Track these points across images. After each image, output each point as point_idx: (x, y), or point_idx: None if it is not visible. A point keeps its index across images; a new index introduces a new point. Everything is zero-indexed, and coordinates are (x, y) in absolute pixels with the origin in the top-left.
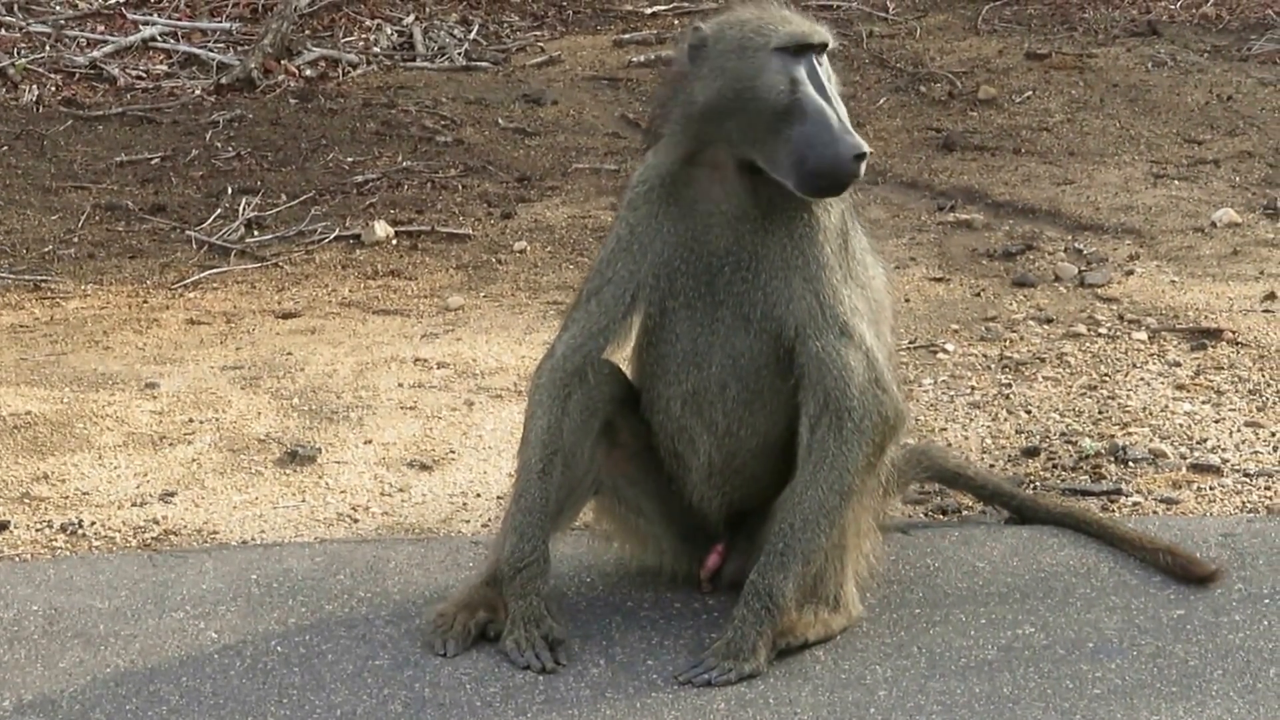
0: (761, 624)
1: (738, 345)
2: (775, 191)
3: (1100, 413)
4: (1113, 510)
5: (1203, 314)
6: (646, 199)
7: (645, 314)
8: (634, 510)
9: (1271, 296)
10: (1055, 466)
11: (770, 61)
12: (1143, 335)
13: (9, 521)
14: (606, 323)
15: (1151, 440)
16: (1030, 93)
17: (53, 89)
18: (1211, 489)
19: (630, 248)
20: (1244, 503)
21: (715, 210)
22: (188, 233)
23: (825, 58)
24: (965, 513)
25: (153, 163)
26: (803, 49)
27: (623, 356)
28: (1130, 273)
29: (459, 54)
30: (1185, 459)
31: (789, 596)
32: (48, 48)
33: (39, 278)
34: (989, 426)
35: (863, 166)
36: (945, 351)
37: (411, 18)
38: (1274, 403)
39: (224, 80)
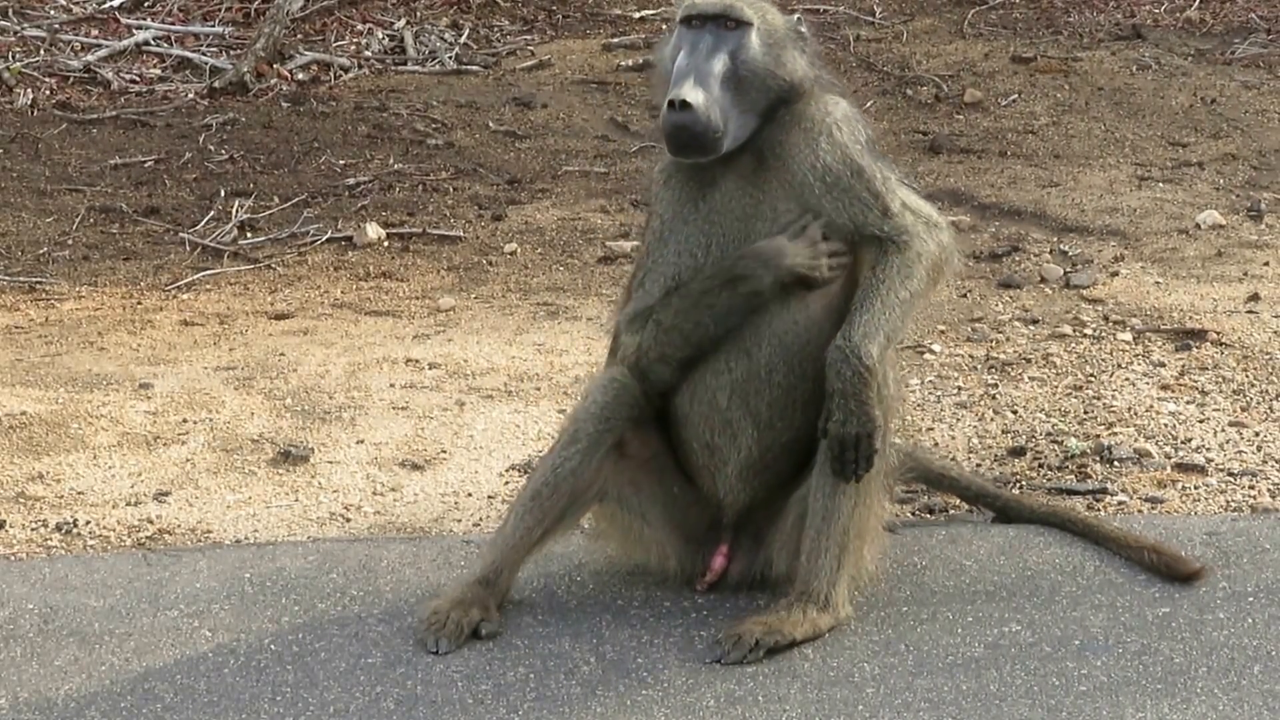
0: (861, 389)
1: (783, 319)
2: (768, 144)
3: (1086, 413)
4: (1098, 509)
5: (1187, 315)
6: (667, 186)
7: None
8: (638, 517)
9: (1255, 298)
10: (1041, 466)
11: (674, 34)
12: (1128, 336)
13: (4, 521)
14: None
15: (1136, 440)
16: (1016, 96)
17: (47, 93)
18: (1196, 488)
19: (662, 236)
20: (1228, 502)
21: (728, 183)
22: (181, 235)
23: (746, 33)
24: (952, 511)
25: (146, 166)
26: (687, 20)
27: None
28: (1115, 274)
29: (449, 58)
30: (1170, 458)
31: (876, 358)
32: (42, 52)
33: (34, 279)
34: (975, 426)
35: (687, 115)
36: (932, 352)
37: (402, 22)
38: (1258, 403)
39: (217, 84)
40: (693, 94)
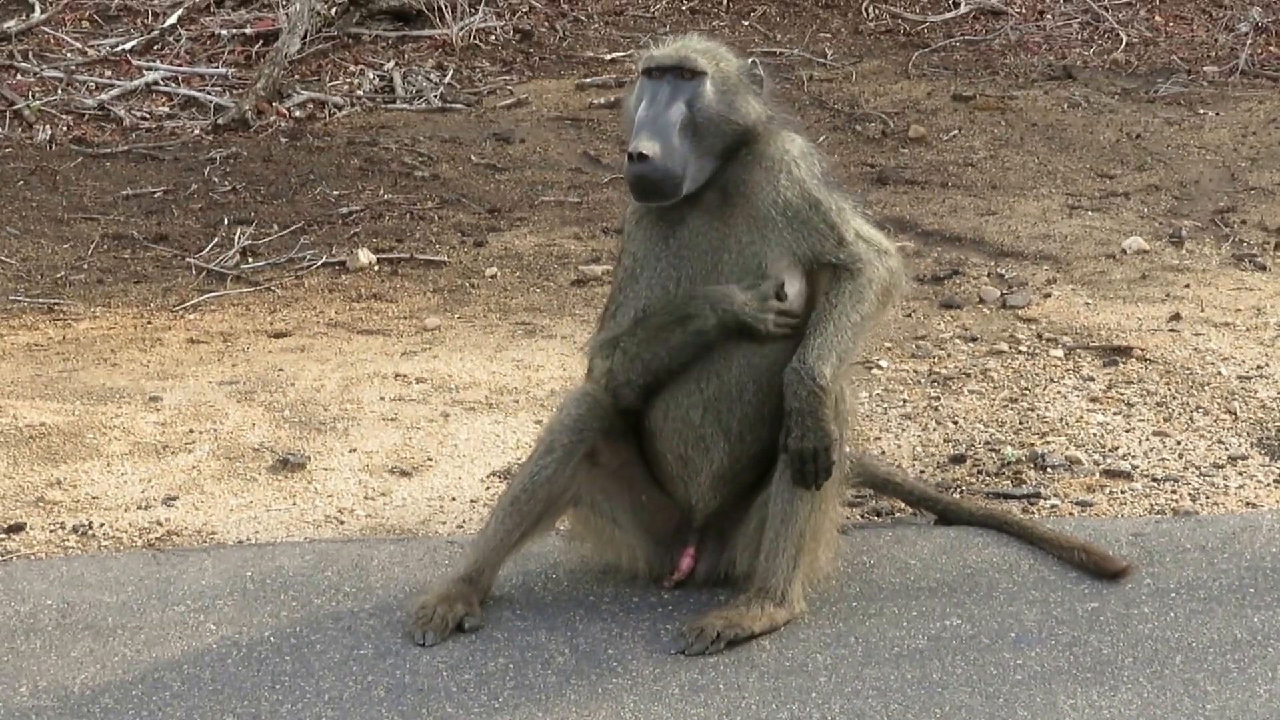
0: (816, 408)
1: (752, 343)
2: (731, 182)
3: (1021, 423)
4: (1032, 512)
5: (1114, 333)
6: (639, 226)
7: None
8: (610, 521)
9: (1176, 317)
10: (980, 472)
11: (638, 84)
12: (1059, 353)
13: (26, 523)
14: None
15: (1068, 448)
16: (956, 131)
17: (64, 129)
18: (1122, 493)
19: (634, 273)
20: (1152, 505)
21: (695, 220)
22: (188, 260)
23: (701, 82)
24: (898, 514)
25: (156, 196)
26: (648, 71)
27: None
28: (1048, 295)
29: (435, 96)
30: (1098, 465)
31: (829, 378)
32: (60, 91)
33: (52, 301)
34: (919, 436)
35: (645, 166)
36: (879, 368)
37: (391, 63)
38: (1179, 414)
39: (221, 121)
40: (648, 145)
